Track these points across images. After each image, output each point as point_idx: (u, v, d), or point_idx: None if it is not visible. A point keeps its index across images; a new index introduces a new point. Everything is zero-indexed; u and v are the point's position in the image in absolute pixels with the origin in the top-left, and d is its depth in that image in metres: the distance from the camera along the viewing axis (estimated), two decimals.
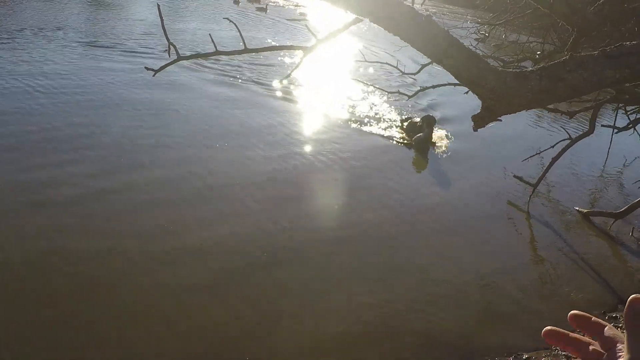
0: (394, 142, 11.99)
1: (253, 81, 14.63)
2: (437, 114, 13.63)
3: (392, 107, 14.48)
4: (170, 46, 4.13)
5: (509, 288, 7.00)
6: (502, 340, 5.96)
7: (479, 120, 2.28)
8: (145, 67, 4.28)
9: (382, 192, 9.12)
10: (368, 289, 6.37)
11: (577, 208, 9.91)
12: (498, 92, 1.97)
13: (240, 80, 14.47)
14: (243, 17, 26.65)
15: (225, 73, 14.94)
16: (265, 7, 31.19)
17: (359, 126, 12.55)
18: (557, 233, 8.86)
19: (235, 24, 4.52)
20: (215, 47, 4.23)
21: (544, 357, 5.75)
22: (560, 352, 5.83)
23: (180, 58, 4.16)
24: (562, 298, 7.02)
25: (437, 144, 12.26)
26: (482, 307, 6.54)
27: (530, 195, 9.88)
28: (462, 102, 12.78)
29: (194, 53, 4.33)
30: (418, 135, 11.90)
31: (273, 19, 27.89)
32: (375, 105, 14.47)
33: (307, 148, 10.47)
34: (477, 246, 7.96)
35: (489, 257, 7.67)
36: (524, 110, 2.14)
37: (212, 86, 13.52)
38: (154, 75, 4.12)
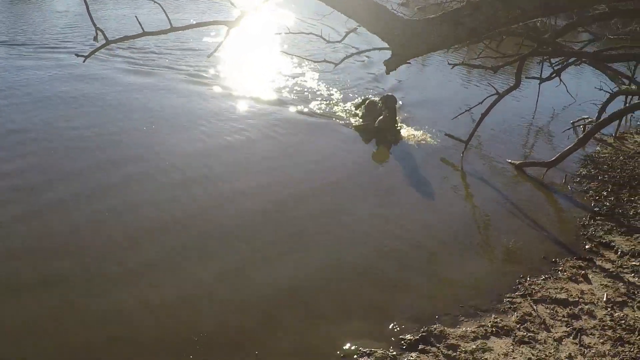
0: (350, 128, 11.34)
1: (176, 68, 14.13)
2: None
3: (344, 88, 14.04)
4: (98, 32, 4.24)
5: (449, 242, 7.25)
6: (445, 294, 6.19)
7: (391, 64, 2.44)
8: (75, 54, 4.41)
9: (353, 198, 8.50)
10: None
11: (509, 160, 10.26)
12: (405, 39, 2.10)
13: (170, 71, 13.94)
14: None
15: (152, 63, 14.46)
16: None
17: (306, 111, 11.98)
18: (493, 186, 9.18)
19: (160, 5, 4.57)
20: (142, 28, 4.31)
21: (491, 306, 6.00)
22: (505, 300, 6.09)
23: (109, 42, 4.26)
24: (502, 247, 7.31)
25: (400, 131, 11.31)
26: (424, 262, 6.75)
27: (462, 152, 10.19)
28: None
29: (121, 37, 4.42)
30: (379, 119, 11.02)
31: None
32: (324, 87, 13.98)
33: (252, 142, 9.96)
34: (414, 205, 8.19)
35: (426, 215, 7.91)
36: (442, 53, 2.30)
37: (137, 78, 13.00)
38: (84, 61, 4.22)
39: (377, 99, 12.04)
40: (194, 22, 4.59)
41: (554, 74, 11.89)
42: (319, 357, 5.07)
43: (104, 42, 4.15)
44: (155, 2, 4.78)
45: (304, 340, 5.28)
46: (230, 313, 5.53)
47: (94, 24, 3.96)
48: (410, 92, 14.33)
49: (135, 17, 4.32)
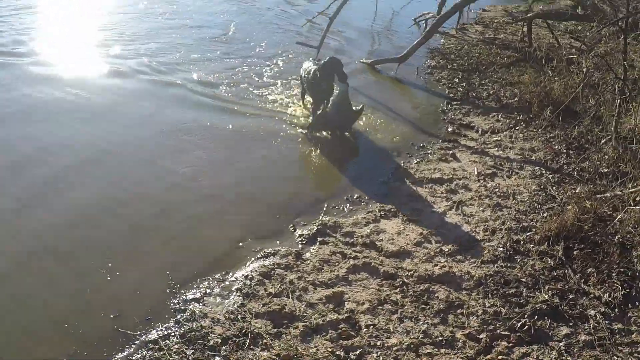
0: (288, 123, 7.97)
1: None
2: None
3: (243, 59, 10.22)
4: None
5: (325, 143, 7.36)
6: (330, 190, 6.35)
7: None
8: None
9: None
10: None
11: (362, 60, 10.48)
12: None
13: None
14: None
15: None
16: None
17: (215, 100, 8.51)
18: (351, 86, 9.02)
19: None
20: None
21: (374, 193, 6.19)
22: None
23: None
24: (371, 141, 7.57)
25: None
26: (305, 169, 6.85)
27: (316, 57, 10.20)
28: None
29: None
30: (333, 100, 7.42)
31: None
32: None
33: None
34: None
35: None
36: None
37: None
38: None
39: (310, 64, 7.89)
40: None
41: None
42: (230, 263, 5.04)
43: None
44: None
45: (214, 250, 5.23)
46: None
47: None
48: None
49: None
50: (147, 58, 9.69)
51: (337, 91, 7.41)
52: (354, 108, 7.58)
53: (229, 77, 9.21)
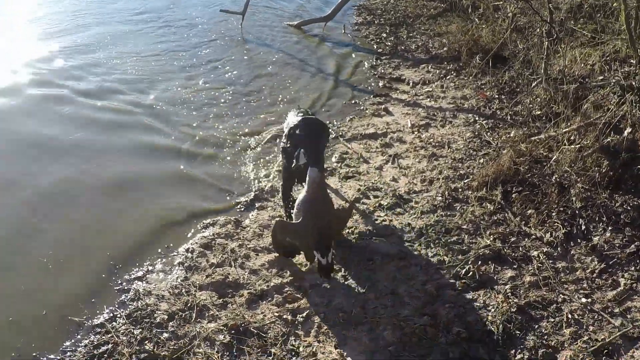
0: None
1: None
2: None
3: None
4: None
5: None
6: None
7: None
8: None
9: None
10: None
11: (288, 23, 10.24)
12: None
13: None
14: None
15: None
16: None
17: None
18: (279, 49, 9.10)
19: None
20: None
21: None
22: None
23: None
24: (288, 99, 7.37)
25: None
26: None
27: (241, 23, 9.93)
28: None
29: None
30: (297, 201, 4.36)
31: None
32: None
33: None
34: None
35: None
36: None
37: None
38: None
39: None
40: None
41: None
42: (170, 238, 4.86)
43: None
44: None
45: (153, 227, 5.00)
46: None
47: None
48: None
49: None
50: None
51: (305, 184, 4.30)
52: (336, 207, 4.70)
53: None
